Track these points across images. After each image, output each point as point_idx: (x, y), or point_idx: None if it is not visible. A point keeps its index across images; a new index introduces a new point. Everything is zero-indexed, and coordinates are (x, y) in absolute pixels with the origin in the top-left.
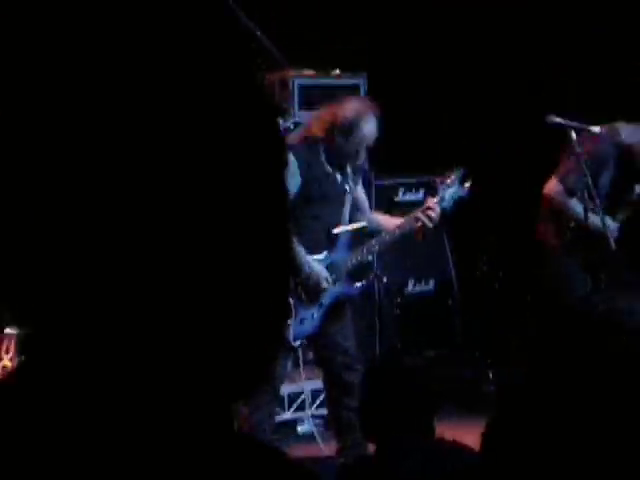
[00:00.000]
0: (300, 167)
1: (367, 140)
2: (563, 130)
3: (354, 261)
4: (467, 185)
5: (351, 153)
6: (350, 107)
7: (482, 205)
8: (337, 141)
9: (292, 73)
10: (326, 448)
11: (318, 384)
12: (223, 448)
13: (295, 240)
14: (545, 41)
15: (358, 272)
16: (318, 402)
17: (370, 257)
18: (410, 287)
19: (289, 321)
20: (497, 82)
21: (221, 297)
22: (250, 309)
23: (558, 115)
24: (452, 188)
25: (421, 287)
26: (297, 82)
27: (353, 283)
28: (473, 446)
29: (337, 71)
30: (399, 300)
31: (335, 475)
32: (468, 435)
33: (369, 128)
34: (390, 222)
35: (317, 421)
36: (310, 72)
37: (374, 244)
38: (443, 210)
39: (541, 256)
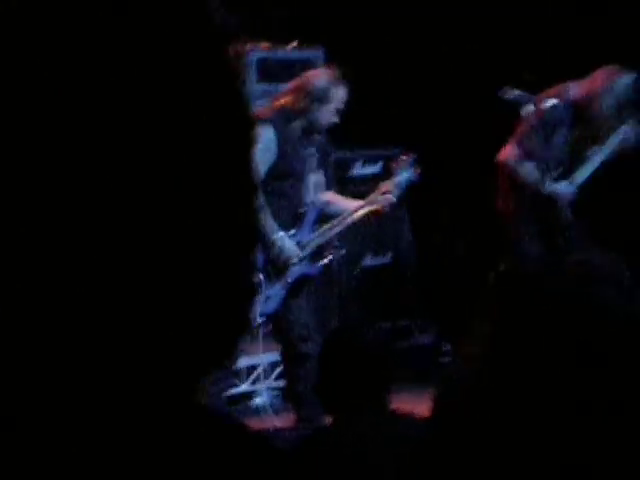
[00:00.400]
0: (277, 142)
1: (340, 106)
2: (520, 103)
3: (317, 242)
4: (417, 170)
5: (327, 122)
6: (322, 75)
7: (438, 178)
8: (314, 110)
9: (249, 46)
10: (282, 420)
11: (275, 357)
12: (191, 424)
13: (268, 215)
14: (502, 16)
15: (319, 252)
16: (275, 375)
17: (331, 238)
18: (368, 259)
19: (255, 299)
20: (455, 54)
21: (188, 278)
22: (217, 290)
23: (515, 88)
24: (406, 173)
25: (378, 259)
26: (253, 55)
27: (315, 262)
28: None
29: (294, 44)
30: (357, 272)
31: (293, 447)
32: (424, 406)
33: (342, 94)
34: (346, 203)
35: (274, 393)
36: (267, 45)
37: (336, 225)
38: (398, 191)
39: (500, 227)
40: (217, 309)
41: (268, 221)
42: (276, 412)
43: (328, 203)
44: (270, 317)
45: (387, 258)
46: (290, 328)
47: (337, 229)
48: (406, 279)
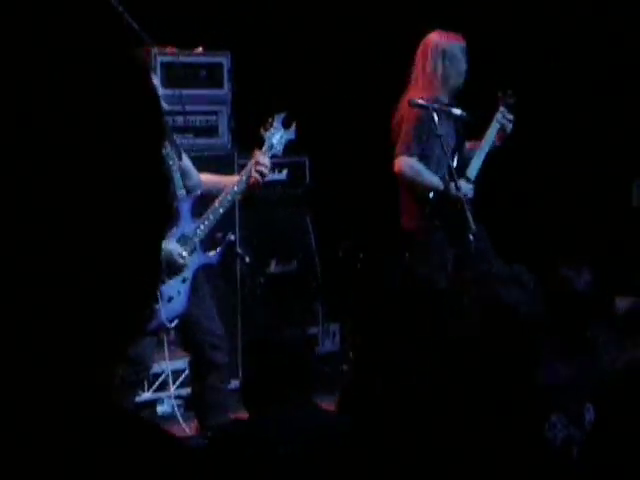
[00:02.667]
0: None
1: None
2: (426, 111)
3: (203, 228)
4: (292, 127)
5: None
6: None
7: (344, 187)
8: None
9: (155, 50)
10: (187, 428)
11: (179, 364)
12: (101, 422)
13: None
14: (412, 15)
15: (210, 240)
16: (178, 383)
17: (231, 231)
18: (273, 267)
19: (157, 306)
20: (363, 60)
21: (95, 254)
22: (121, 265)
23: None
24: (277, 134)
25: (284, 267)
26: (160, 59)
27: (210, 251)
28: None
29: (200, 49)
30: (261, 280)
31: (207, 442)
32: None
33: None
34: (225, 180)
35: (177, 401)
36: (173, 49)
37: (217, 207)
38: (275, 156)
39: (408, 242)
40: (122, 286)
41: None
42: (179, 420)
43: (207, 186)
44: (178, 324)
45: (292, 266)
46: (197, 338)
47: (221, 210)
48: (310, 287)
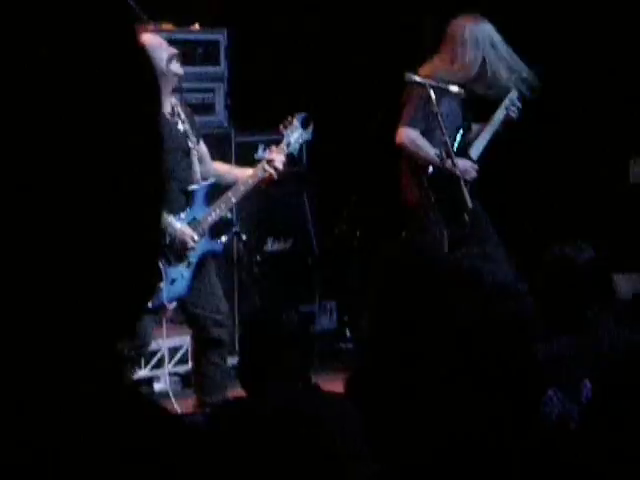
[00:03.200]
0: None
1: (165, 53)
2: (422, 88)
3: (214, 216)
4: (310, 128)
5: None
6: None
7: (344, 163)
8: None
9: (151, 28)
10: (182, 406)
11: (176, 342)
12: (110, 399)
13: None
14: None
15: (218, 227)
16: (175, 360)
17: (229, 211)
18: (269, 245)
19: (160, 284)
20: (359, 38)
21: (95, 236)
22: (123, 248)
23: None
24: (296, 133)
25: (280, 245)
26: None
27: (216, 238)
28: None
29: (196, 26)
30: (258, 258)
31: (206, 420)
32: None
33: (154, 43)
34: (236, 171)
35: (174, 379)
36: (169, 27)
37: (230, 197)
38: (291, 155)
39: (407, 218)
40: (124, 267)
41: None
42: (176, 398)
43: (219, 174)
44: (181, 301)
45: (288, 244)
46: (201, 314)
47: (233, 200)
48: (307, 265)
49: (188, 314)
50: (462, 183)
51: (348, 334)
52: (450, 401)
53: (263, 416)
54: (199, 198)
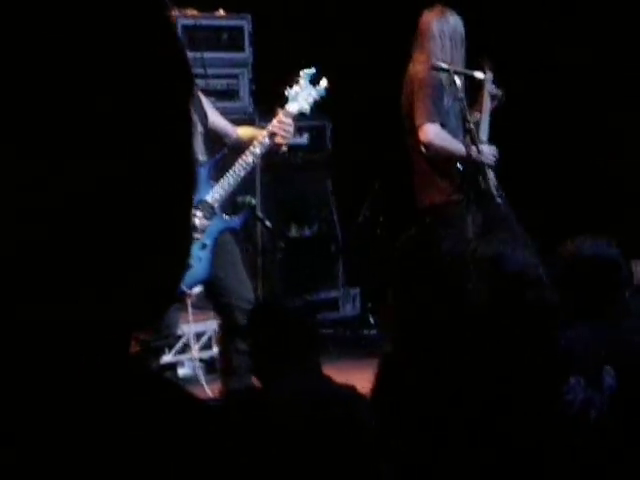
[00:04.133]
0: None
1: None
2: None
3: (223, 193)
4: (323, 84)
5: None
6: None
7: (366, 151)
8: None
9: (176, 13)
10: (208, 390)
11: (201, 327)
12: (125, 378)
13: None
14: None
15: (234, 205)
16: (200, 345)
17: (252, 196)
18: (293, 231)
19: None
20: (385, 26)
21: (125, 235)
22: (153, 240)
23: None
24: (305, 91)
25: (304, 231)
26: (180, 22)
27: (231, 215)
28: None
29: (221, 11)
30: (282, 244)
31: (220, 406)
32: (349, 377)
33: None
34: (243, 134)
35: (198, 364)
36: (193, 12)
37: (237, 170)
38: (302, 114)
39: (427, 217)
40: (155, 249)
41: None
42: (201, 383)
43: (217, 129)
44: (207, 287)
45: (312, 230)
46: (229, 302)
47: (242, 172)
48: (330, 252)
49: (215, 302)
50: (487, 170)
51: (372, 321)
52: (473, 388)
53: (270, 405)
54: (202, 178)
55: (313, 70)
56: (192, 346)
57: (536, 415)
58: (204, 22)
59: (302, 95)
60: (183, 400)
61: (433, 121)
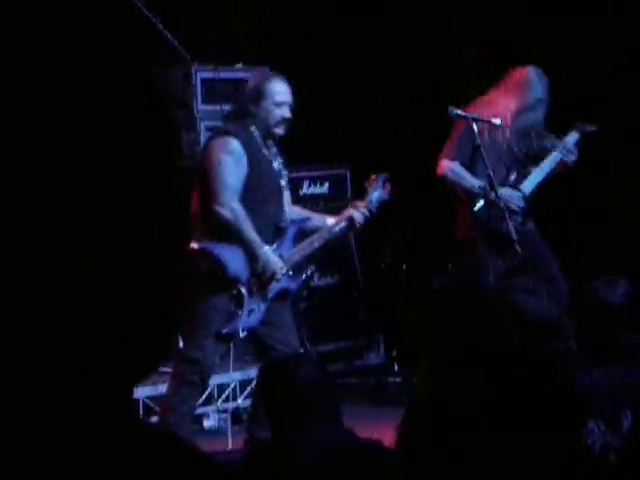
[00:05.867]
0: (244, 152)
1: (282, 99)
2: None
3: (298, 257)
4: (388, 188)
5: (274, 120)
6: (253, 75)
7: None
8: (256, 112)
9: (195, 67)
10: (233, 442)
11: (224, 379)
12: (129, 441)
13: (251, 229)
14: (449, 30)
15: (297, 266)
16: (224, 397)
17: (309, 253)
18: (316, 280)
19: (239, 311)
20: (399, 76)
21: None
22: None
23: (459, 107)
24: (377, 191)
25: (326, 280)
26: (200, 75)
27: (295, 278)
28: (381, 438)
29: (240, 65)
30: (305, 293)
31: (242, 463)
32: (375, 426)
33: (279, 87)
34: (318, 218)
35: (222, 415)
36: (212, 66)
37: (314, 242)
38: (370, 212)
39: (457, 250)
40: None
41: (251, 235)
42: (225, 434)
43: (305, 218)
44: (252, 335)
45: (335, 278)
46: (274, 348)
47: (316, 244)
48: (353, 300)
49: (262, 346)
50: (506, 215)
51: (396, 368)
52: (494, 437)
53: (285, 458)
54: (288, 237)
55: (385, 174)
56: (215, 397)
57: (558, 461)
58: (223, 75)
59: (375, 195)
60: (178, 452)
61: (451, 157)
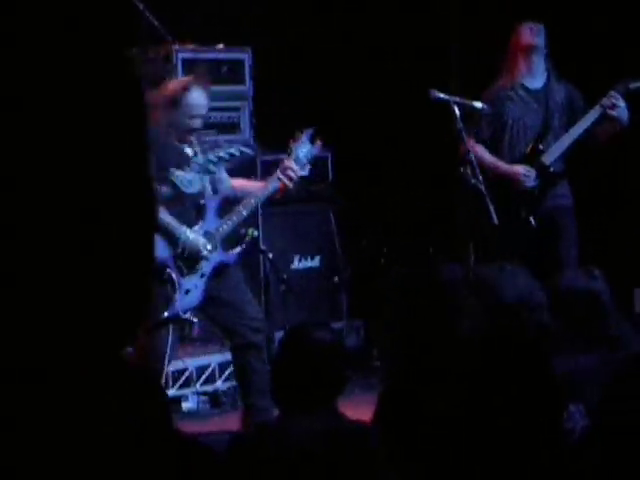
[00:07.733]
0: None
1: (195, 112)
2: (446, 105)
3: (226, 228)
4: (317, 144)
5: (184, 127)
6: (174, 83)
7: (367, 182)
8: (169, 116)
9: (176, 47)
10: (211, 425)
11: (202, 361)
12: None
13: (165, 213)
14: (432, 12)
15: (231, 240)
16: (203, 379)
17: (255, 228)
18: (296, 263)
19: (175, 294)
20: (382, 57)
21: (93, 252)
22: (117, 267)
23: (441, 90)
24: (305, 147)
25: (307, 263)
26: (180, 56)
27: (229, 250)
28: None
29: (221, 45)
30: (285, 276)
31: (228, 444)
32: (354, 409)
33: (196, 99)
34: (252, 185)
35: (202, 398)
36: (193, 46)
37: (241, 209)
38: (300, 168)
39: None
40: (121, 280)
41: (166, 218)
42: (204, 417)
43: (235, 189)
44: (208, 317)
45: (315, 262)
46: (237, 323)
47: (244, 212)
48: (334, 283)
49: (224, 326)
50: (487, 200)
51: (376, 352)
52: (470, 418)
53: (277, 441)
54: (210, 211)
55: (312, 130)
56: (194, 379)
57: (536, 443)
58: (204, 55)
59: (302, 151)
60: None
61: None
